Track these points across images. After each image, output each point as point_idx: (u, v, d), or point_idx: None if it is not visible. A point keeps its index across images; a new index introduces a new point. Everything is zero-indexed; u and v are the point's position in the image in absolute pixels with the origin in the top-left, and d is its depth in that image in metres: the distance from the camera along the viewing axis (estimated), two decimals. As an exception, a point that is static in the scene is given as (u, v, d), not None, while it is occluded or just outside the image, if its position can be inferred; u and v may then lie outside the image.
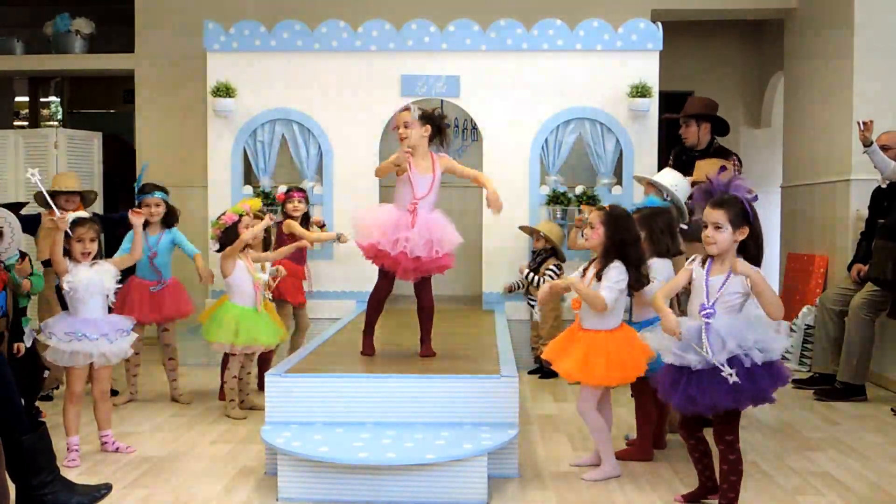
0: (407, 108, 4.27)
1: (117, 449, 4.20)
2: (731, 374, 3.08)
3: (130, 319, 4.22)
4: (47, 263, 4.99)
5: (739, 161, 5.83)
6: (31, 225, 5.42)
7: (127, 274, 5.42)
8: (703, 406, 3.20)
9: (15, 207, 4.76)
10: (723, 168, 3.53)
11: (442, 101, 6.70)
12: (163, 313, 5.26)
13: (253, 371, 5.29)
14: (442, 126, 4.29)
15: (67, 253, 3.99)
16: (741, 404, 3.22)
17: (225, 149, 6.58)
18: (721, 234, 3.21)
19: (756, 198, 3.30)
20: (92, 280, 3.97)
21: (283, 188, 6.14)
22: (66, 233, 3.94)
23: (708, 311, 3.19)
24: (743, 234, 3.21)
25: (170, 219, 5.33)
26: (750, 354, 3.12)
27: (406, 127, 4.20)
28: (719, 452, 3.30)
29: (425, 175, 4.21)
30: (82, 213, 4.15)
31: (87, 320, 3.97)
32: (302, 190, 5.92)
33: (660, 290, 3.41)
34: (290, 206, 5.73)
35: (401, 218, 4.16)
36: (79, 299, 3.97)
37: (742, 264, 3.16)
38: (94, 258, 4.05)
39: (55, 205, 5.47)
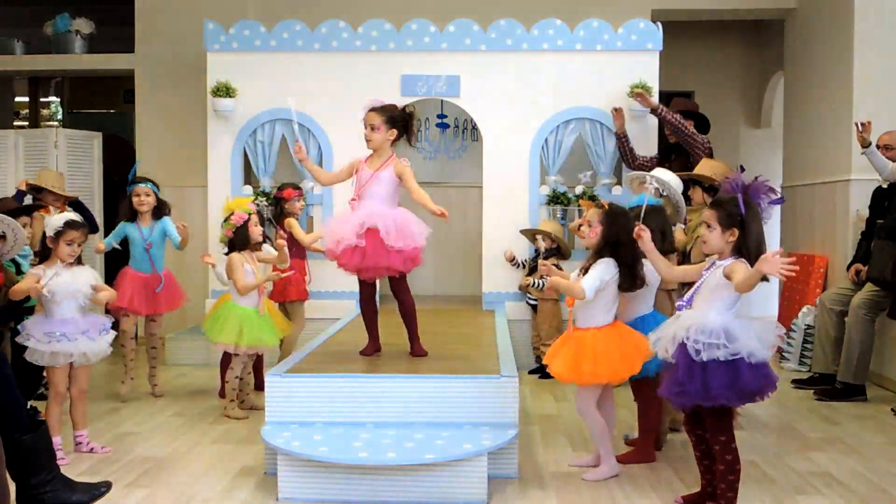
0: (374, 109, 4.16)
1: (91, 450, 4.17)
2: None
3: (108, 318, 4.19)
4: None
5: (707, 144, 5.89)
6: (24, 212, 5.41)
7: (121, 264, 5.46)
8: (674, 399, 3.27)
9: (25, 211, 4.76)
10: (742, 168, 3.52)
11: (442, 100, 6.70)
12: (157, 306, 5.38)
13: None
14: (409, 126, 4.20)
15: (49, 252, 3.98)
16: (684, 399, 3.22)
17: (225, 149, 6.58)
18: (711, 233, 3.25)
19: (782, 199, 3.29)
20: (69, 283, 3.95)
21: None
22: (56, 231, 3.94)
23: (680, 303, 3.30)
24: (733, 235, 3.20)
25: (160, 210, 5.42)
26: (699, 348, 3.11)
27: (372, 130, 4.15)
28: (715, 453, 3.29)
29: (372, 173, 4.15)
30: (73, 216, 4.11)
31: (66, 320, 3.96)
32: (299, 188, 5.94)
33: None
34: (298, 204, 5.78)
35: (347, 218, 4.13)
36: (55, 301, 3.94)
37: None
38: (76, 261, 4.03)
39: (42, 201, 5.47)
